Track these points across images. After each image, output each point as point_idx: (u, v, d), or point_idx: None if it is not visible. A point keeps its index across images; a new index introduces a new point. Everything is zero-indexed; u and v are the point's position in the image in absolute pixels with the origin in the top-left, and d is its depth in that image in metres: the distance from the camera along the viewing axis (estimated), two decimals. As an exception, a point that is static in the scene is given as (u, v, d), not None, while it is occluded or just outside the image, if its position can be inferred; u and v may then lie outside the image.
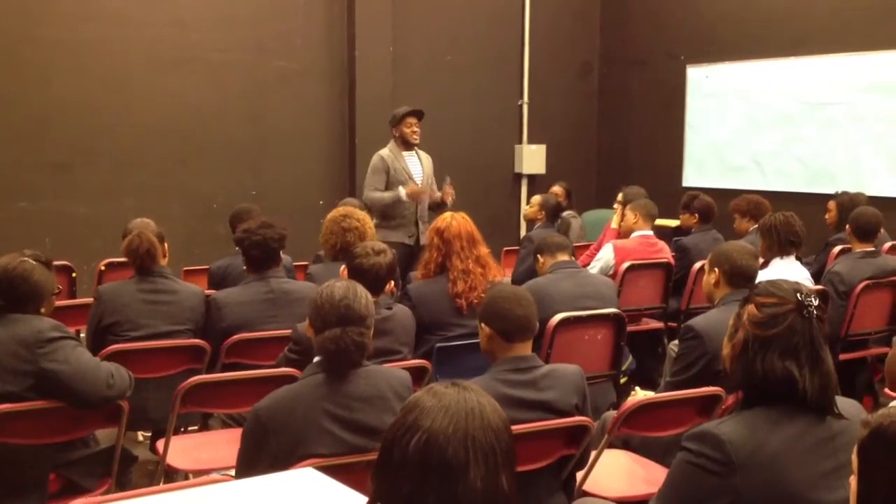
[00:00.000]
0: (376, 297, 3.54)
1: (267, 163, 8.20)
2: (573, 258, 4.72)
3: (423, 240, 6.26)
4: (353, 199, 6.37)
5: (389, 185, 6.29)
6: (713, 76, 8.99)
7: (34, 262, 3.22)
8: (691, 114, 9.21)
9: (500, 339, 2.89)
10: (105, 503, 2.24)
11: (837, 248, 5.75)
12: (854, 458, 1.63)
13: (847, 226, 5.24)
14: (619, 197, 6.42)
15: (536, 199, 6.85)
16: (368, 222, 4.79)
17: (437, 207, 6.50)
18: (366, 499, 1.61)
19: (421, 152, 6.49)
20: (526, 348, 2.93)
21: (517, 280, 5.48)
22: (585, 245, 6.97)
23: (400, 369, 2.93)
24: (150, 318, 4.04)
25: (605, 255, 5.72)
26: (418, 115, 6.40)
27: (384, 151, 6.39)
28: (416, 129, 6.35)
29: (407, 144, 6.39)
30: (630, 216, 5.95)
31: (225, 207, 6.55)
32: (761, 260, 4.33)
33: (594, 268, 5.67)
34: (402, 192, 6.19)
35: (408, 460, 1.48)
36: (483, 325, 2.93)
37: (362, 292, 2.77)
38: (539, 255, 4.65)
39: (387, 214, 6.28)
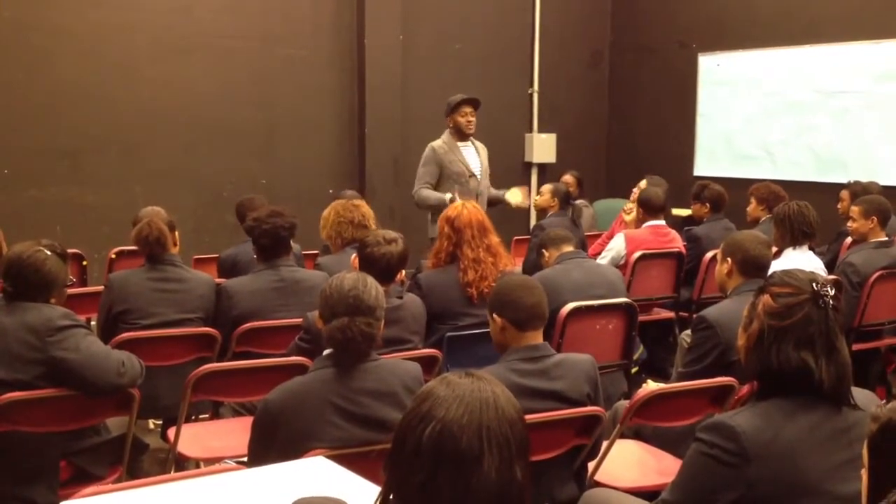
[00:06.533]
0: (387, 287, 3.53)
1: (276, 150, 8.19)
2: (578, 249, 4.70)
3: None
4: (351, 191, 6.12)
5: (444, 178, 5.82)
6: (725, 64, 8.93)
7: (48, 253, 3.21)
8: (702, 103, 9.15)
9: (513, 328, 2.87)
10: (116, 491, 2.24)
11: (850, 238, 5.71)
12: (864, 451, 1.62)
13: (873, 217, 5.06)
14: (642, 184, 6.40)
15: (547, 187, 6.81)
16: (366, 210, 4.83)
17: (496, 203, 6.10)
18: (377, 488, 1.59)
19: (477, 142, 6.07)
20: (538, 336, 2.91)
21: (528, 270, 5.46)
22: (596, 234, 6.96)
23: (411, 363, 2.92)
24: (160, 307, 4.04)
25: (617, 245, 5.71)
26: (474, 103, 5.91)
27: (437, 142, 5.90)
28: (471, 118, 5.87)
29: (461, 134, 5.89)
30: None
31: (234, 195, 6.55)
32: (774, 249, 4.30)
33: (605, 257, 5.66)
34: (447, 198, 5.57)
35: (421, 450, 1.47)
36: (494, 315, 2.91)
37: (372, 284, 2.75)
38: (544, 250, 4.63)
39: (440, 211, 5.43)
